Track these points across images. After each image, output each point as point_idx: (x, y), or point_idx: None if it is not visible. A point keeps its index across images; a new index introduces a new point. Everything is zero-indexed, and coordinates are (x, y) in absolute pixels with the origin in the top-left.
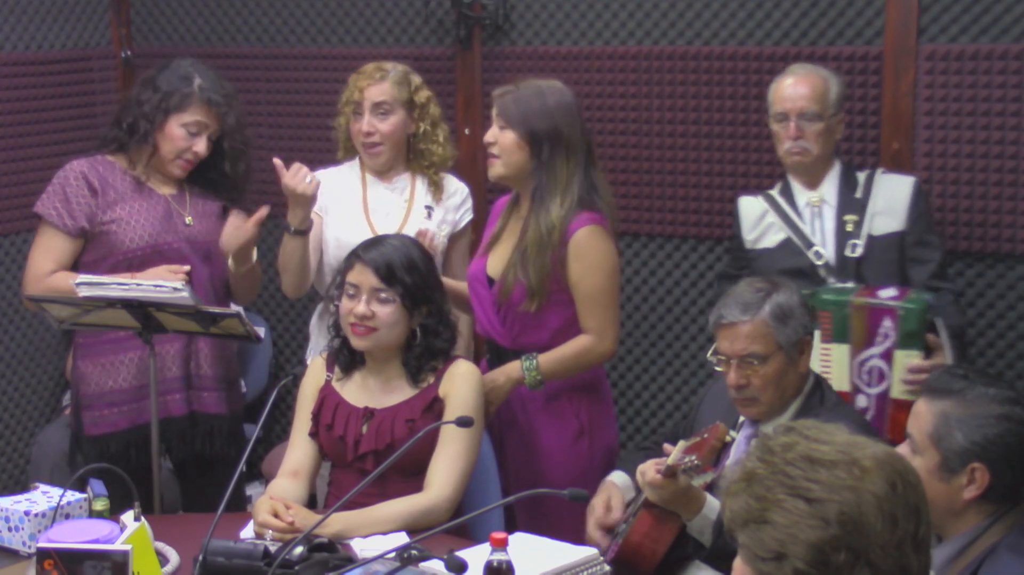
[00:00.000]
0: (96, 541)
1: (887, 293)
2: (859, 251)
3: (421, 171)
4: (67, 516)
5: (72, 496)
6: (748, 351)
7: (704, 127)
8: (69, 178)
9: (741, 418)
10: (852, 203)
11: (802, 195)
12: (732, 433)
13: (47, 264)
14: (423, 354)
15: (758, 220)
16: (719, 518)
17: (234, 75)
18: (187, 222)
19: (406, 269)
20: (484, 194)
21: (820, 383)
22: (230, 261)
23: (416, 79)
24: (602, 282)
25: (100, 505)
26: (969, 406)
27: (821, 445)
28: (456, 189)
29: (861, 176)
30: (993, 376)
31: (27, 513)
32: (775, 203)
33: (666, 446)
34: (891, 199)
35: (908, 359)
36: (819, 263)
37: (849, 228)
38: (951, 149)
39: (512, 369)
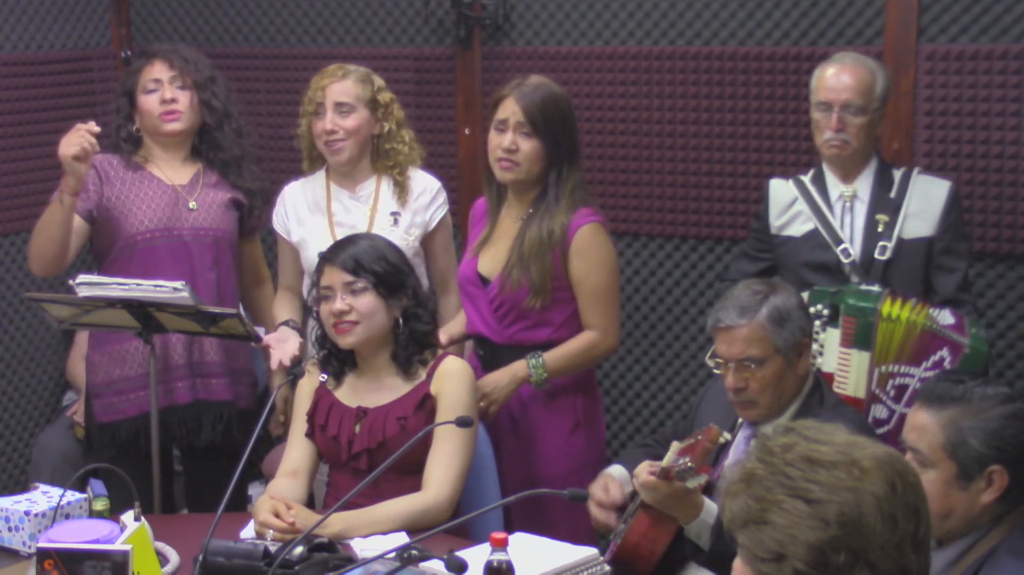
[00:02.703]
0: (96, 541)
1: (945, 319)
2: (888, 254)
3: (386, 172)
4: (67, 516)
5: (72, 496)
6: (745, 355)
7: (704, 127)
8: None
9: (740, 418)
10: (886, 202)
11: (836, 187)
12: (726, 435)
13: None
14: (409, 342)
15: (787, 206)
16: (717, 521)
17: (234, 75)
18: (190, 207)
19: (374, 259)
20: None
21: (820, 384)
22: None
23: (379, 80)
24: (606, 279)
25: (100, 505)
26: (977, 411)
27: (820, 446)
28: (424, 187)
29: (897, 174)
30: (981, 374)
31: (27, 513)
32: (806, 191)
33: (674, 443)
34: (925, 202)
35: None
36: (846, 261)
37: (880, 228)
38: (951, 149)
39: (518, 368)
